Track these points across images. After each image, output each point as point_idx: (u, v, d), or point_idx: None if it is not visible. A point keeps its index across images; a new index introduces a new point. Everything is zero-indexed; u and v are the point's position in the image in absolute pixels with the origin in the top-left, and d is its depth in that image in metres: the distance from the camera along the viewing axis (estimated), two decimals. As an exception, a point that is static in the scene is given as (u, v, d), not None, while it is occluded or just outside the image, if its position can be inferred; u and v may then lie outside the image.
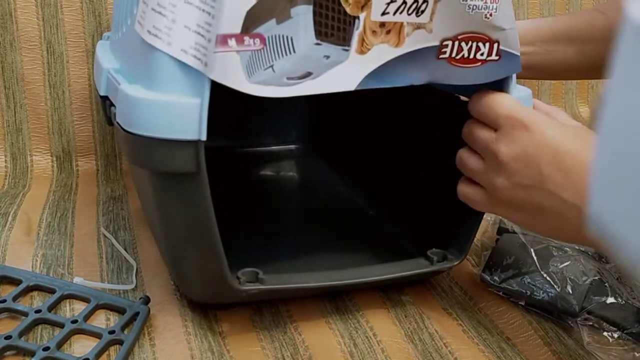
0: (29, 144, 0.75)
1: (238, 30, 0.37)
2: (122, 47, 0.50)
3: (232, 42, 0.37)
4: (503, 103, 0.44)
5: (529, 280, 0.52)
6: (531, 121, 0.42)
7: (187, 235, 0.45)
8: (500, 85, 0.46)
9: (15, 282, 0.51)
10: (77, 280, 0.52)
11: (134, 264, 0.55)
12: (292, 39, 0.39)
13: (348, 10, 0.40)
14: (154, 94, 0.40)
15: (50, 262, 0.55)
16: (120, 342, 0.45)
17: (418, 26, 0.42)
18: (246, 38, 0.38)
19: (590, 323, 0.50)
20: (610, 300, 0.51)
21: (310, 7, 0.39)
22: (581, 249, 0.56)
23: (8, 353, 0.44)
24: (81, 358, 0.43)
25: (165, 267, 0.55)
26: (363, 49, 0.41)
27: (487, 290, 0.55)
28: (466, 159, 0.47)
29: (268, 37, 0.38)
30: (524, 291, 0.52)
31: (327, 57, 0.40)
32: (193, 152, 0.40)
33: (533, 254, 0.54)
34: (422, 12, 0.41)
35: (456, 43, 0.43)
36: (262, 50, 0.38)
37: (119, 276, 0.54)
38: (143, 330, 0.47)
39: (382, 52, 0.42)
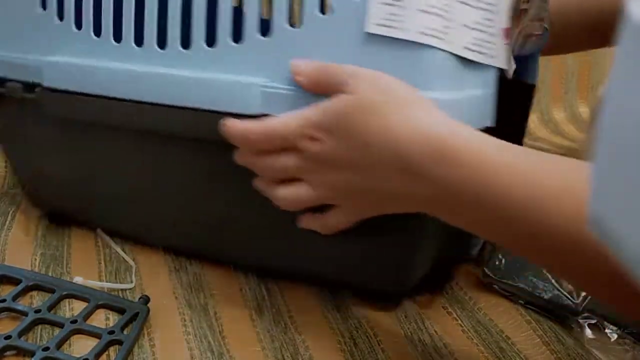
0: (29, 144, 0.75)
1: (508, 25, 0.43)
2: (262, 55, 0.45)
3: (507, 35, 0.43)
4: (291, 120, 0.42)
5: (531, 277, 0.52)
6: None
7: None
8: (532, 62, 0.50)
9: (15, 281, 0.51)
10: (77, 279, 0.52)
11: (133, 264, 0.55)
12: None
13: None
14: (442, 93, 0.41)
15: (49, 262, 0.55)
16: (120, 342, 0.45)
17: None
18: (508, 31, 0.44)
19: (591, 322, 0.50)
20: (611, 299, 0.51)
21: None
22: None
23: (8, 353, 0.44)
24: (81, 358, 0.43)
25: (165, 267, 0.55)
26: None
27: (487, 290, 0.55)
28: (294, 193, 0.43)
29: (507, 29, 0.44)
30: (526, 288, 0.52)
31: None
32: None
33: None
34: None
35: (535, 23, 0.49)
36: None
37: (118, 276, 0.54)
38: (143, 330, 0.47)
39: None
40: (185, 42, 0.47)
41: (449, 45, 0.40)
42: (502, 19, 0.42)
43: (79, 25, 0.50)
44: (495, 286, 0.54)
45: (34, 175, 0.62)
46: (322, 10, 0.42)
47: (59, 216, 0.62)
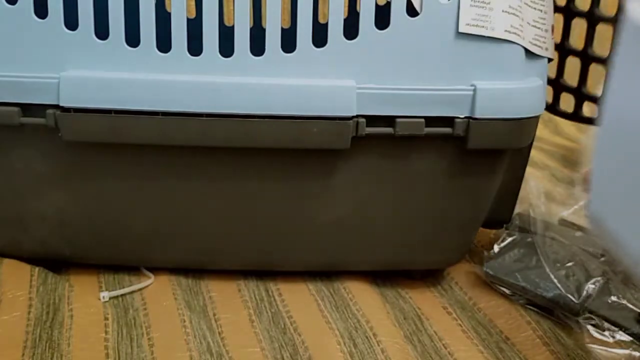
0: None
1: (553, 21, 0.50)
2: (353, 56, 0.46)
3: (553, 30, 0.49)
4: None
5: (534, 276, 0.52)
6: None
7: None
8: None
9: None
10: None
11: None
12: None
13: None
14: (519, 82, 0.47)
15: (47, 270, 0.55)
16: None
17: None
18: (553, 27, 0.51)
19: (592, 322, 0.50)
20: (613, 299, 0.51)
21: None
22: (588, 249, 0.56)
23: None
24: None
25: (164, 269, 0.55)
26: None
27: (487, 290, 0.55)
28: None
29: None
30: (528, 286, 0.52)
31: None
32: (534, 127, 0.50)
33: (540, 251, 0.54)
34: None
35: None
36: None
37: (117, 277, 0.54)
38: (141, 330, 0.47)
39: None
40: (257, 50, 0.45)
41: (523, 41, 0.46)
42: (551, 17, 0.49)
43: (100, 35, 0.44)
44: (497, 285, 0.54)
45: (18, 219, 0.51)
46: (409, 12, 0.45)
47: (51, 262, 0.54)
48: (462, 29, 0.45)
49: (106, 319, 0.48)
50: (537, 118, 0.49)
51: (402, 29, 0.45)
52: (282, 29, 0.45)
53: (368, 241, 0.52)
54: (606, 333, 0.50)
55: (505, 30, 0.45)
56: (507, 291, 0.54)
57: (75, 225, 0.51)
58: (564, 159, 0.83)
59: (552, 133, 0.97)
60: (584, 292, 0.51)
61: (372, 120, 0.46)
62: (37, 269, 0.52)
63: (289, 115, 0.45)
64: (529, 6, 0.47)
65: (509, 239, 0.57)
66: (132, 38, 0.44)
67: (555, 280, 0.52)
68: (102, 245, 0.53)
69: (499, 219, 0.59)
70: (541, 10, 0.48)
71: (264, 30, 0.44)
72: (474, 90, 0.46)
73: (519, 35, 0.46)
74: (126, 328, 0.47)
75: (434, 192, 0.50)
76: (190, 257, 0.54)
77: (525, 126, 0.48)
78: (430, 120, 0.46)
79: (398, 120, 0.46)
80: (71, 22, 0.44)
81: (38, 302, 0.49)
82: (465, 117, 0.46)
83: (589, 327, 0.50)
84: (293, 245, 0.53)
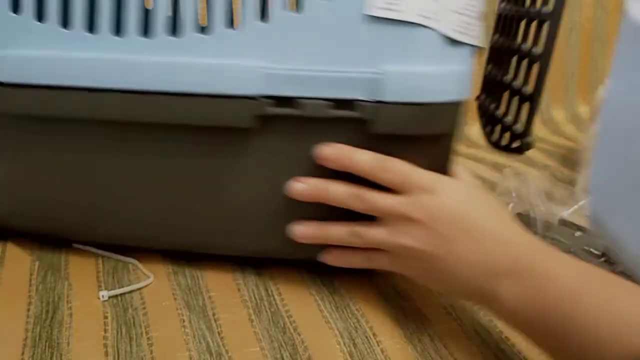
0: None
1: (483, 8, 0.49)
2: (278, 40, 0.47)
3: (482, 17, 0.48)
4: (415, 171, 0.47)
5: None
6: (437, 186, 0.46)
7: None
8: None
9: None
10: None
11: (134, 261, 0.55)
12: None
13: None
14: (432, 67, 0.46)
15: (46, 269, 0.55)
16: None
17: None
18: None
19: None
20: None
21: None
22: (588, 249, 0.56)
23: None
24: None
25: (164, 269, 0.55)
26: None
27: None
28: (367, 230, 0.48)
29: None
30: None
31: None
32: (450, 114, 0.48)
33: None
34: None
35: None
36: None
37: (116, 276, 0.54)
38: (141, 330, 0.47)
39: None
40: (174, 30, 0.47)
41: (440, 26, 0.45)
42: (481, 4, 0.47)
43: (39, 17, 0.47)
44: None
45: None
46: None
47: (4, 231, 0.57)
48: (373, 12, 0.45)
49: (105, 317, 0.48)
50: (453, 105, 0.48)
51: (314, 12, 0.45)
52: (198, 11, 0.46)
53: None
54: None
55: (418, 15, 0.45)
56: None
57: (15, 195, 0.54)
58: (564, 159, 0.83)
59: (552, 133, 0.97)
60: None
61: (281, 100, 0.47)
62: (36, 267, 0.52)
63: (198, 92, 0.47)
64: None
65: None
66: (65, 20, 0.47)
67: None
68: (38, 217, 0.55)
69: None
70: None
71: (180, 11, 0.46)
72: (383, 73, 0.46)
73: (434, 19, 0.45)
74: (125, 327, 0.47)
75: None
76: (119, 233, 0.55)
77: (437, 112, 0.47)
78: (339, 103, 0.47)
79: (303, 101, 0.47)
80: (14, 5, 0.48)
81: (37, 301, 0.49)
82: (374, 101, 0.46)
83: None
84: (217, 228, 0.53)
